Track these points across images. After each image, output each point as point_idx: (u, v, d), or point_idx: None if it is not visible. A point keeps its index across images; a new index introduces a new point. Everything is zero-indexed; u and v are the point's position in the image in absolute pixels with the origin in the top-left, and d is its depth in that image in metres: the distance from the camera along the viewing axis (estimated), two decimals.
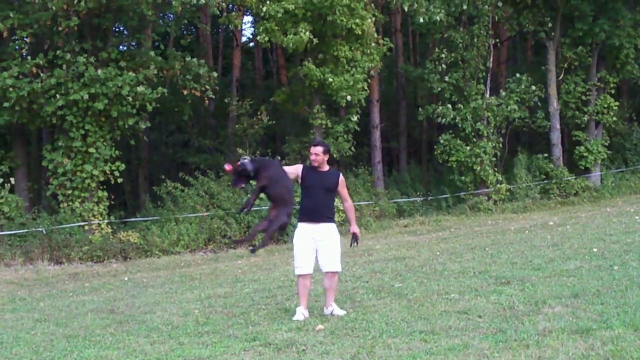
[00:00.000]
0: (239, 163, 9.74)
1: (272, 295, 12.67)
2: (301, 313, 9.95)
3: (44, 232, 21.76)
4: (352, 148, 27.35)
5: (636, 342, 6.91)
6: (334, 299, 10.17)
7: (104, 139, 23.06)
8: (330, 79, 24.65)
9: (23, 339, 10.45)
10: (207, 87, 25.20)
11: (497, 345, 7.41)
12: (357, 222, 10.86)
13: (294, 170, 10.21)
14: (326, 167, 10.12)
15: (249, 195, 10.21)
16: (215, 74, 26.27)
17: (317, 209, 10.02)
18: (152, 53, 23.91)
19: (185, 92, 25.36)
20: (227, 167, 9.94)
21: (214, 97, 26.71)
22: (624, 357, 6.47)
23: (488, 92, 28.97)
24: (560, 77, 30.32)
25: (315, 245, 9.94)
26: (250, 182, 10.41)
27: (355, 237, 10.35)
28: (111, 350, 9.01)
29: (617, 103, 30.92)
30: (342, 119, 27.21)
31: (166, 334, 9.80)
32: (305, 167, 10.20)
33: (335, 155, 25.81)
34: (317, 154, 9.97)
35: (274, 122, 28.66)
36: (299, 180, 10.12)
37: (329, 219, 10.05)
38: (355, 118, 26.97)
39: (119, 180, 24.06)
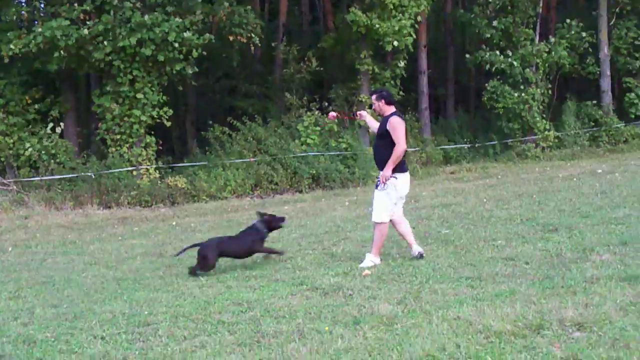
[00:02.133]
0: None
1: (318, 240, 12.72)
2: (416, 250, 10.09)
3: (93, 176, 22.01)
4: (400, 94, 27.16)
5: None
6: (376, 249, 9.99)
7: (152, 85, 23.16)
8: (377, 25, 24.42)
9: (74, 280, 10.67)
10: (253, 34, 25.10)
11: (544, 291, 7.38)
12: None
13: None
14: (387, 112, 9.87)
15: None
16: (261, 22, 26.14)
17: (374, 156, 10.07)
18: None
19: (231, 39, 25.28)
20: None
21: (259, 44, 26.60)
22: None
23: (537, 38, 28.50)
24: (612, 23, 29.69)
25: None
26: None
27: (379, 180, 9.84)
28: (160, 292, 9.16)
29: None
30: (389, 64, 27.00)
31: (214, 277, 9.92)
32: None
33: None
34: (373, 103, 9.96)
35: (321, 68, 28.53)
36: None
37: (382, 166, 9.77)
38: (402, 64, 26.76)
39: (167, 126, 24.21)
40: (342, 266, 9.81)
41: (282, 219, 11.09)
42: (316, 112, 25.75)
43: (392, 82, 26.60)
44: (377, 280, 8.74)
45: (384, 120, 9.85)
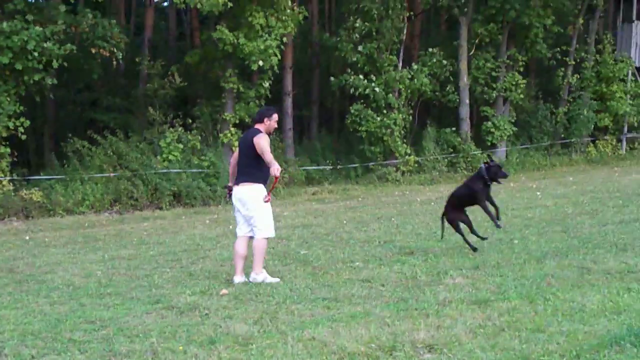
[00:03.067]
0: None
1: (177, 258, 12.62)
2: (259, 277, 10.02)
3: None
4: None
5: (531, 314, 7.13)
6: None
7: (8, 94, 22.39)
8: (243, 44, 24.47)
9: None
10: (116, 48, 24.67)
11: (399, 313, 7.55)
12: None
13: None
14: None
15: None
16: (125, 37, 25.75)
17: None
18: (61, 7, 23.22)
19: (94, 51, 24.78)
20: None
21: (122, 58, 26.18)
22: (518, 327, 6.66)
23: (400, 65, 29.18)
24: (471, 53, 30.73)
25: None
26: None
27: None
28: (9, 310, 8.87)
29: (524, 81, 31.62)
30: (254, 84, 27.06)
31: (67, 294, 9.69)
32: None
33: (247, 120, 25.65)
34: (277, 120, 10.30)
35: (185, 84, 28.32)
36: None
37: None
38: (267, 84, 26.86)
39: (23, 137, 23.45)
40: (200, 285, 9.76)
41: (505, 176, 11.36)
42: (179, 129, 25.53)
43: (256, 101, 26.64)
44: (235, 299, 8.73)
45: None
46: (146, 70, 28.72)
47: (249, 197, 9.79)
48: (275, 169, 9.45)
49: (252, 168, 9.90)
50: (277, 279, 9.81)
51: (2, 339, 7.37)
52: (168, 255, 13.09)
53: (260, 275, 9.84)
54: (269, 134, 10.08)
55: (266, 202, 9.80)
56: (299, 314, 7.83)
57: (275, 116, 10.18)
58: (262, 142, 9.77)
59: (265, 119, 10.06)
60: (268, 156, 9.65)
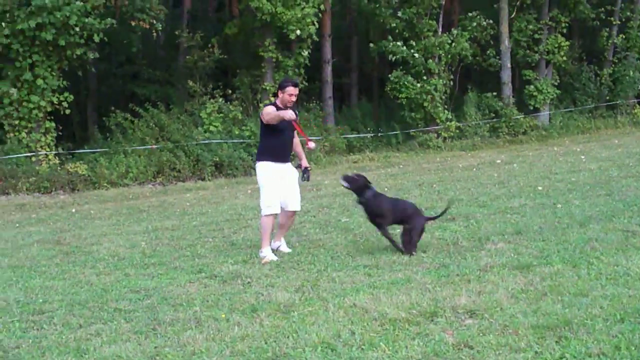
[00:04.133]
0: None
1: (219, 228, 12.72)
2: (285, 248, 10.04)
3: None
4: (304, 83, 27.23)
5: (574, 278, 7.08)
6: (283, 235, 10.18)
7: (52, 69, 22.65)
8: (281, 12, 24.43)
9: None
10: (155, 20, 24.78)
11: (440, 279, 7.55)
12: (307, 156, 10.86)
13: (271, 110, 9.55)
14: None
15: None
16: (164, 8, 25.84)
17: (287, 148, 9.85)
18: None
19: (133, 24, 24.92)
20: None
21: (162, 29, 26.30)
22: (561, 292, 6.62)
23: (440, 29, 28.92)
24: (513, 16, 30.34)
25: (283, 184, 9.73)
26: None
27: (306, 171, 10.08)
28: (57, 280, 9.01)
29: (567, 43, 31.16)
30: (293, 53, 27.03)
31: (112, 265, 9.82)
32: (277, 107, 9.56)
33: None
34: (295, 94, 9.64)
35: (225, 55, 28.36)
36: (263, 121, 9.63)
37: (290, 158, 9.96)
38: (306, 53, 26.82)
39: (67, 112, 23.72)
40: (242, 254, 9.83)
41: None
42: (220, 100, 25.65)
43: (295, 70, 26.64)
44: (276, 268, 8.79)
45: (292, 113, 9.51)
46: (185, 42, 28.82)
47: (256, 174, 9.90)
48: (286, 115, 9.20)
49: (259, 144, 9.98)
50: (274, 258, 9.47)
51: (51, 309, 7.51)
52: (210, 225, 13.19)
53: (261, 252, 9.65)
54: (285, 108, 9.56)
55: (310, 148, 9.76)
56: (340, 281, 7.87)
57: (289, 89, 9.55)
58: (262, 115, 9.57)
59: (279, 92, 9.68)
60: (273, 117, 9.34)
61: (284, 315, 6.65)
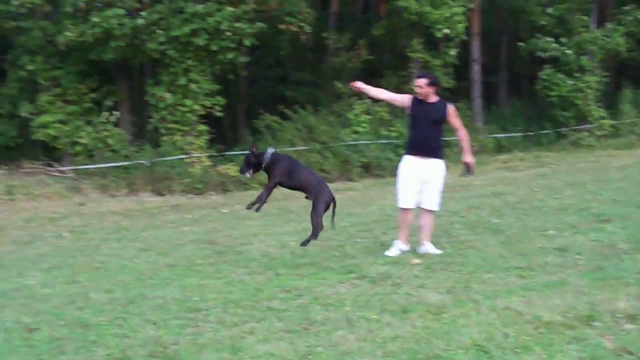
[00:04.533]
0: (256, 152, 9.83)
1: (368, 229, 12.74)
2: (397, 248, 9.96)
3: (147, 164, 22.28)
4: (451, 82, 27.01)
5: None
6: (428, 238, 10.01)
7: (205, 74, 23.34)
8: (429, 12, 24.31)
9: (128, 266, 10.83)
10: (304, 22, 25.11)
11: (596, 282, 7.33)
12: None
13: (401, 99, 10.08)
14: (434, 99, 9.82)
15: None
16: (312, 10, 26.16)
17: (424, 142, 9.81)
18: None
19: (282, 27, 25.35)
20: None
21: (310, 32, 26.63)
22: None
23: (594, 25, 28.05)
24: None
25: (420, 180, 9.78)
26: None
27: (467, 167, 9.87)
28: (211, 279, 9.25)
29: None
30: (440, 52, 26.85)
31: (264, 265, 10.00)
32: (415, 99, 9.85)
33: None
34: (421, 86, 9.70)
35: (372, 56, 28.45)
36: (406, 111, 9.99)
37: (439, 154, 9.82)
38: (454, 52, 26.60)
39: (219, 114, 24.38)
40: (392, 256, 9.81)
41: None
42: (367, 101, 25.75)
43: (443, 69, 26.46)
44: (426, 269, 8.75)
45: (435, 106, 9.75)
46: (333, 44, 29.08)
47: None
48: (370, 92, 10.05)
49: None
50: (395, 254, 9.77)
51: (206, 306, 7.72)
52: (359, 226, 13.24)
53: (430, 247, 9.89)
54: (422, 100, 9.81)
55: None
56: (491, 282, 7.76)
57: (416, 81, 9.90)
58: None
59: None
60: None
61: (435, 317, 6.61)
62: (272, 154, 9.76)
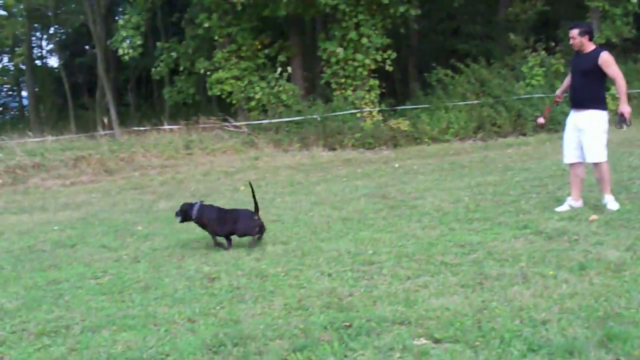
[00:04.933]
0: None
1: (543, 184, 12.47)
2: (567, 204, 9.71)
3: (319, 119, 22.61)
4: (633, 32, 25.83)
5: None
6: (607, 190, 9.60)
7: (376, 28, 23.35)
8: None
9: (302, 220, 11.07)
10: None
11: None
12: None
13: None
14: (589, 49, 9.44)
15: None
16: None
17: (576, 94, 9.58)
18: None
19: None
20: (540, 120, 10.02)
21: None
22: None
23: None
24: None
25: (577, 133, 9.52)
26: None
27: (622, 117, 9.33)
28: (384, 233, 9.33)
29: None
30: (621, 1, 25.69)
31: (437, 219, 9.98)
32: (575, 52, 9.64)
33: (614, 40, 24.54)
34: (574, 37, 9.43)
35: (547, 7, 27.59)
36: None
37: (590, 105, 9.41)
38: (636, 0, 25.41)
39: (390, 69, 24.38)
40: (566, 211, 9.59)
41: None
42: (542, 53, 25.04)
43: (623, 19, 25.31)
44: (605, 225, 8.48)
45: (587, 56, 9.40)
46: None
47: None
48: None
49: None
50: (566, 207, 9.59)
51: (380, 260, 7.81)
52: (533, 181, 12.97)
53: (609, 201, 9.55)
54: (578, 52, 9.56)
55: (540, 123, 9.52)
56: None
57: (569, 32, 9.56)
58: None
59: None
60: None
61: (614, 274, 6.43)
62: (199, 208, 9.59)
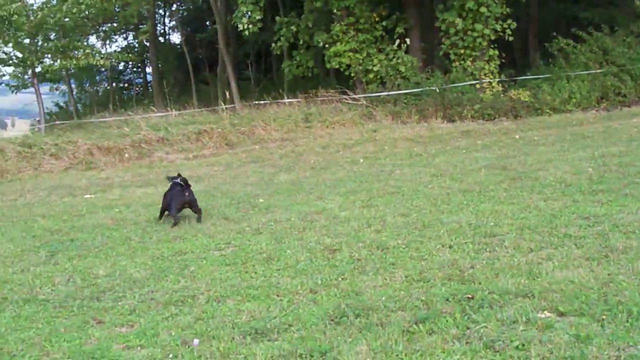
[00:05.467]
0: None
1: None
2: None
3: (437, 90, 22.46)
4: None
5: None
6: None
7: None
8: None
9: (421, 191, 11.08)
10: None
11: None
12: None
13: None
14: None
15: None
16: None
17: None
18: None
19: None
20: None
21: None
22: None
23: None
24: None
25: None
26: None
27: None
28: (505, 205, 9.26)
29: None
30: None
31: (559, 191, 9.82)
32: None
33: None
34: None
35: None
36: None
37: None
38: None
39: (510, 39, 23.97)
40: None
41: None
42: None
43: None
44: None
45: None
46: None
47: None
48: None
49: None
50: None
51: (501, 232, 7.77)
52: None
53: None
54: None
55: None
56: None
57: None
58: None
59: None
60: None
61: None
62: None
